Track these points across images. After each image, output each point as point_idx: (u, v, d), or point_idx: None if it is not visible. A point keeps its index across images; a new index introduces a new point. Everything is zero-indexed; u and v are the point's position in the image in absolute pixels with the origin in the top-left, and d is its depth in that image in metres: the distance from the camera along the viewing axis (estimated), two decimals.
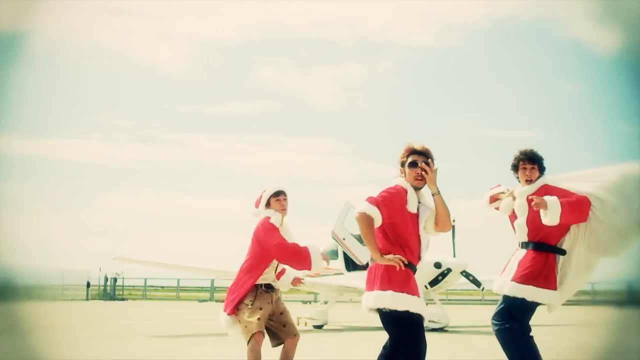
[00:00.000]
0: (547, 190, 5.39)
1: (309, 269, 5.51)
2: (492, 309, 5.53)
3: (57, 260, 34.73)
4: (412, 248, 4.69)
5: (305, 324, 16.37)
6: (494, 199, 5.74)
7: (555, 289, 5.31)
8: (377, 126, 63.20)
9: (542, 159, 5.56)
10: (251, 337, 5.39)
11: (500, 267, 5.64)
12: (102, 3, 48.29)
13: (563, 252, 5.38)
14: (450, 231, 15.21)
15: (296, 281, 6.18)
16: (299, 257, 5.43)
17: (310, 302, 33.02)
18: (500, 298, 5.46)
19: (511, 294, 5.28)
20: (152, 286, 46.92)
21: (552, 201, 5.19)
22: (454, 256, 15.99)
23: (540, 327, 5.48)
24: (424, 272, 15.16)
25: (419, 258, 4.75)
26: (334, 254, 17.03)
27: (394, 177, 4.86)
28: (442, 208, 4.72)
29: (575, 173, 5.57)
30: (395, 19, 57.95)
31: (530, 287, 5.24)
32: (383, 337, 4.78)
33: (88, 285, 40.09)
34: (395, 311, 4.53)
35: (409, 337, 4.59)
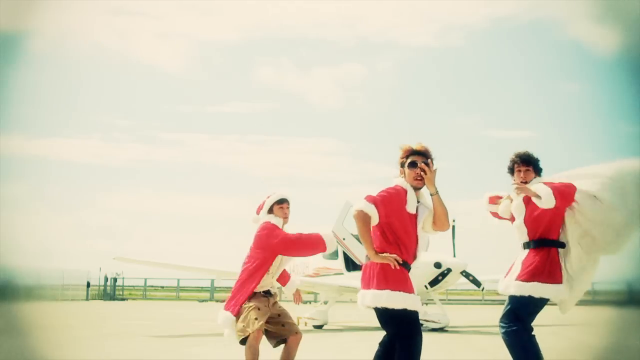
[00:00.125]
0: None
1: (324, 250, 5.62)
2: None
3: (57, 260, 34.76)
4: (408, 247, 4.73)
5: (305, 324, 16.37)
6: (493, 200, 5.75)
7: (560, 282, 5.30)
8: (377, 126, 63.29)
9: (538, 160, 5.57)
10: (249, 335, 5.40)
11: (500, 267, 5.68)
12: (102, 3, 48.34)
13: (563, 245, 5.40)
14: (450, 231, 15.25)
15: (297, 298, 6.25)
16: (311, 243, 5.55)
17: (310, 302, 33.01)
18: (506, 300, 5.47)
19: (517, 293, 5.28)
20: (152, 286, 46.95)
21: (540, 186, 5.25)
22: (454, 256, 15.99)
23: (540, 327, 5.47)
24: (424, 272, 15.15)
25: (415, 257, 4.80)
26: (334, 254, 17.04)
27: (394, 177, 4.89)
28: (441, 208, 4.76)
29: (571, 172, 5.58)
30: (395, 19, 58.00)
31: (536, 283, 5.24)
32: (382, 336, 4.80)
33: (88, 285, 40.09)
34: (393, 309, 4.57)
35: (406, 334, 4.62)
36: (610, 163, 5.51)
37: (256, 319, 5.42)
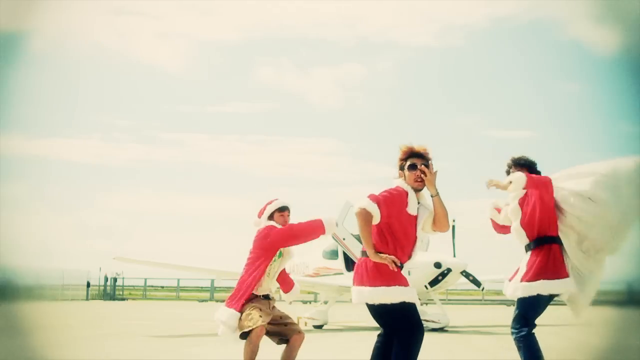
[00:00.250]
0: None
1: (324, 233, 5.72)
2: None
3: (57, 260, 34.76)
4: (405, 249, 4.79)
5: (305, 324, 16.37)
6: (499, 210, 5.78)
7: (567, 276, 5.31)
8: (377, 126, 63.31)
9: (534, 163, 5.60)
10: (252, 330, 5.47)
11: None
12: (102, 3, 48.35)
13: (561, 241, 5.41)
14: (450, 231, 15.25)
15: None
16: (309, 227, 5.68)
17: (310, 302, 33.01)
18: (507, 301, 5.50)
19: (526, 294, 5.28)
20: (152, 286, 46.95)
21: (513, 174, 5.34)
22: (454, 256, 15.99)
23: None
24: (424, 272, 15.16)
25: (410, 258, 4.86)
26: (334, 254, 17.05)
27: (394, 178, 4.91)
28: (441, 209, 4.80)
29: (565, 171, 5.59)
30: (395, 19, 58.00)
31: (542, 281, 5.25)
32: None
33: (88, 285, 40.08)
34: (392, 304, 4.61)
35: (406, 327, 4.66)
36: (604, 161, 5.52)
37: (260, 316, 5.51)
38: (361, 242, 4.76)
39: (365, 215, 4.63)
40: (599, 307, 5.59)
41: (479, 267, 17.32)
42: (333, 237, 15.20)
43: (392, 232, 4.73)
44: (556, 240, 5.38)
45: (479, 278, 16.46)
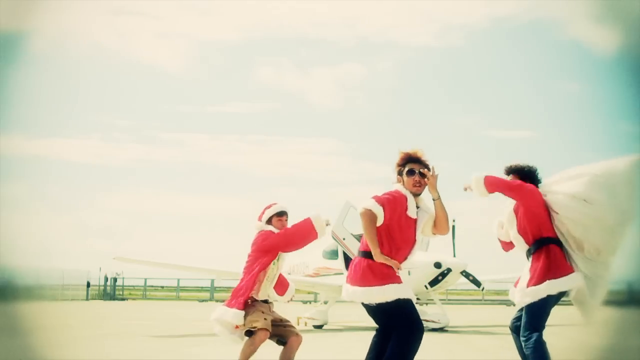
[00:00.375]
0: None
1: (316, 237, 5.79)
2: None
3: (57, 260, 34.76)
4: (402, 251, 4.87)
5: (305, 324, 16.36)
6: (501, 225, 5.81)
7: (572, 271, 5.30)
8: (377, 126, 63.27)
9: (530, 170, 5.59)
10: (257, 331, 5.56)
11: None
12: (102, 3, 48.31)
13: (559, 241, 5.40)
14: (450, 231, 15.25)
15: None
16: (304, 231, 5.73)
17: (310, 302, 33.01)
18: (509, 302, 5.51)
19: (536, 298, 5.26)
20: (152, 286, 46.93)
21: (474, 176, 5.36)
22: (454, 256, 15.98)
23: None
24: (424, 272, 15.16)
25: (405, 259, 4.93)
26: (334, 254, 17.04)
27: (392, 183, 5.00)
28: (442, 212, 4.91)
29: (560, 175, 5.60)
30: (395, 19, 57.97)
31: (548, 282, 5.24)
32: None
33: (88, 285, 40.07)
34: (387, 303, 4.67)
35: (404, 324, 4.71)
36: (598, 162, 5.53)
37: (265, 319, 5.62)
38: (368, 241, 4.80)
39: (370, 216, 4.71)
40: (599, 307, 5.58)
41: (479, 267, 17.33)
42: (333, 237, 15.20)
43: (389, 234, 4.80)
44: (553, 240, 5.38)
45: (479, 278, 16.45)
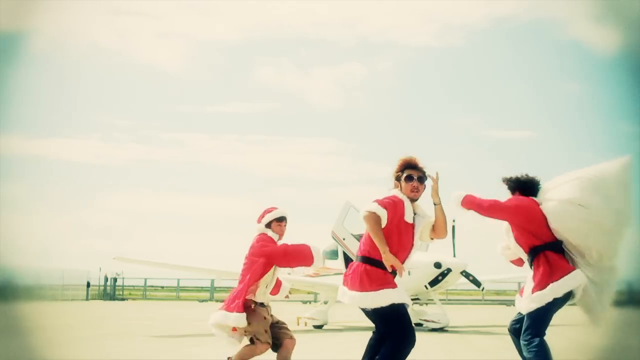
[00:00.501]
0: None
1: (309, 265, 5.87)
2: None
3: (57, 260, 34.75)
4: (400, 255, 4.96)
5: (305, 324, 16.36)
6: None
7: (573, 269, 5.31)
8: (377, 126, 63.28)
9: (525, 182, 5.63)
10: (258, 344, 5.67)
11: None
12: (102, 3, 48.33)
13: (555, 245, 5.41)
14: (450, 231, 15.25)
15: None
16: (302, 256, 5.78)
17: (310, 302, 33.01)
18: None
19: (542, 303, 5.28)
20: (152, 286, 46.92)
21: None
22: (454, 256, 15.98)
23: None
24: (424, 272, 15.15)
25: (402, 264, 5.01)
26: (334, 254, 17.04)
27: (389, 189, 5.14)
28: (442, 217, 5.10)
29: (554, 181, 5.62)
30: (395, 19, 57.98)
31: (551, 285, 5.26)
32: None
33: (88, 285, 40.06)
34: (381, 307, 4.79)
35: (397, 330, 4.82)
36: (589, 166, 5.56)
37: (266, 331, 5.71)
38: (378, 243, 4.88)
39: (375, 218, 4.84)
40: (606, 312, 5.60)
41: (479, 267, 17.30)
42: (333, 237, 15.20)
43: (388, 238, 4.90)
44: (548, 247, 5.40)
45: (479, 278, 16.43)
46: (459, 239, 16.61)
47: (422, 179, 5.06)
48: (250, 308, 5.72)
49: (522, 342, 5.32)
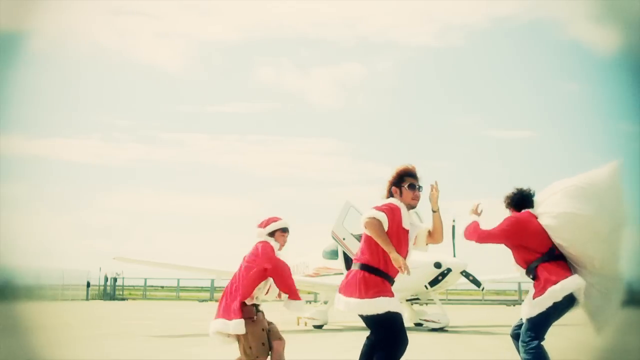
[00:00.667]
0: None
1: (292, 298, 5.91)
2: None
3: (57, 260, 34.77)
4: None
5: (305, 324, 16.36)
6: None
7: (570, 274, 5.37)
8: (377, 126, 63.33)
9: (519, 196, 5.75)
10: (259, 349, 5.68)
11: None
12: (102, 3, 48.37)
13: (550, 254, 5.45)
14: (450, 231, 15.25)
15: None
16: (290, 290, 5.87)
17: (310, 302, 33.00)
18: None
19: (544, 307, 5.33)
20: (152, 286, 46.94)
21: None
22: (454, 256, 15.98)
23: None
24: (424, 272, 15.15)
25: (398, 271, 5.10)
26: (334, 254, 17.04)
27: (382, 197, 5.20)
28: (440, 224, 5.22)
29: (546, 191, 5.67)
30: (395, 19, 58.01)
31: (550, 289, 5.32)
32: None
33: (88, 285, 40.08)
34: (377, 315, 4.88)
35: (390, 337, 4.91)
36: (578, 175, 5.61)
37: (263, 344, 5.72)
38: (385, 246, 4.91)
39: (376, 224, 4.90)
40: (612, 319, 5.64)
41: (479, 267, 17.29)
42: (333, 237, 15.20)
43: None
44: (540, 259, 5.47)
45: (479, 278, 16.44)
46: (459, 239, 16.62)
47: (421, 188, 5.18)
48: (252, 319, 5.72)
49: (520, 343, 5.35)
